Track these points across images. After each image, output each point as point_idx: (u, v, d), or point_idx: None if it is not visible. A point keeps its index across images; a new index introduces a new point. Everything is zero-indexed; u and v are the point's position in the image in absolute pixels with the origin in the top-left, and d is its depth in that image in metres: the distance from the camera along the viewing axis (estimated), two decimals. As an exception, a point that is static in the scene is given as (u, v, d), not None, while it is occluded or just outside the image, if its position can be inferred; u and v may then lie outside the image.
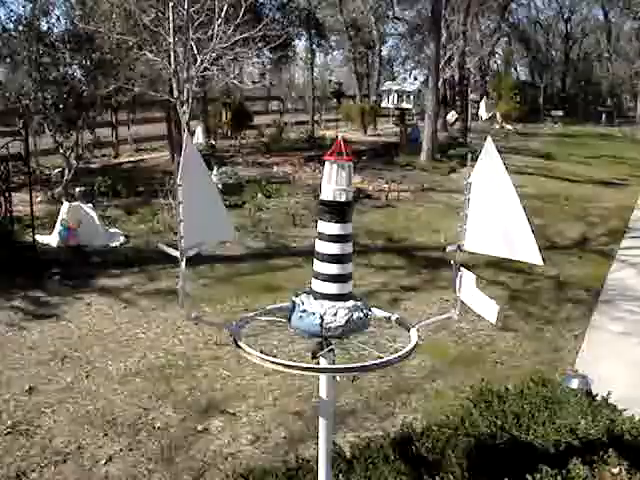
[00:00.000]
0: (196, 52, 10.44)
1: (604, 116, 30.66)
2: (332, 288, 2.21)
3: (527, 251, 2.17)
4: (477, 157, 2.23)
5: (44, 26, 9.83)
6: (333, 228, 2.20)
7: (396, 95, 18.55)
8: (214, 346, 5.28)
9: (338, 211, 2.20)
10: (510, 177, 2.17)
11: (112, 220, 9.08)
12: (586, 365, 5.00)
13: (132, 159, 14.78)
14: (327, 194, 2.20)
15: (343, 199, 2.19)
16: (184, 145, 2.21)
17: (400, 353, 2.19)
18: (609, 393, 3.54)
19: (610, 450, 2.89)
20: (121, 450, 3.86)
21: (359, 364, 2.14)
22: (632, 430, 3.15)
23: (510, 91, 27.94)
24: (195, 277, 7.05)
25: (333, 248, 2.20)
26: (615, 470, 2.78)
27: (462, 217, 2.29)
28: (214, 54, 10.54)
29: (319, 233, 2.23)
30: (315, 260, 2.25)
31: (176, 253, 2.17)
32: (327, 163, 2.20)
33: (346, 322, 2.17)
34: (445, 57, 19.11)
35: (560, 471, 2.76)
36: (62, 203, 8.27)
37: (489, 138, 2.23)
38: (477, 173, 2.24)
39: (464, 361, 5.15)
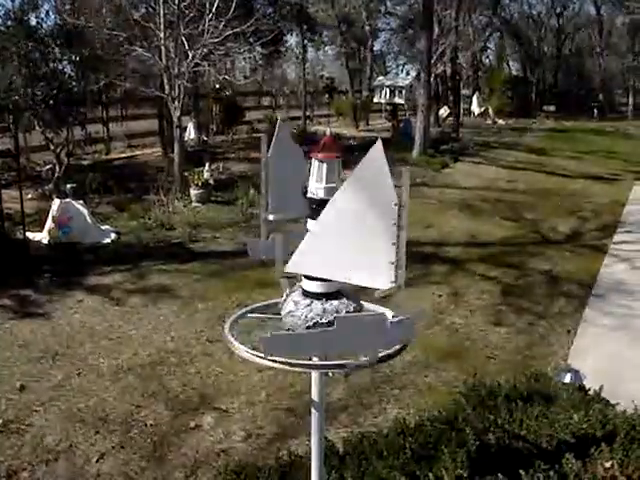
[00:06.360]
0: (187, 47, 10.40)
1: (596, 111, 30.69)
2: (320, 287, 2.19)
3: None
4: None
5: (33, 21, 9.75)
6: None
7: (388, 90, 18.56)
8: (206, 342, 5.26)
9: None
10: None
11: (104, 217, 9.03)
12: (578, 359, 5.01)
13: (123, 155, 14.70)
14: (318, 192, 2.17)
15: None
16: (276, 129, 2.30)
17: (392, 349, 2.17)
18: (601, 387, 3.54)
19: (602, 444, 2.89)
20: (113, 448, 3.84)
21: (351, 360, 2.12)
22: (624, 424, 3.15)
23: (502, 86, 28.07)
24: (187, 273, 7.03)
25: None
26: (607, 464, 2.77)
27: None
28: (205, 49, 10.51)
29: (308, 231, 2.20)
30: None
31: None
32: (314, 161, 2.16)
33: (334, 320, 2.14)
34: (437, 52, 19.09)
35: (553, 466, 2.76)
36: (53, 200, 8.22)
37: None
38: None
39: (456, 356, 5.15)
